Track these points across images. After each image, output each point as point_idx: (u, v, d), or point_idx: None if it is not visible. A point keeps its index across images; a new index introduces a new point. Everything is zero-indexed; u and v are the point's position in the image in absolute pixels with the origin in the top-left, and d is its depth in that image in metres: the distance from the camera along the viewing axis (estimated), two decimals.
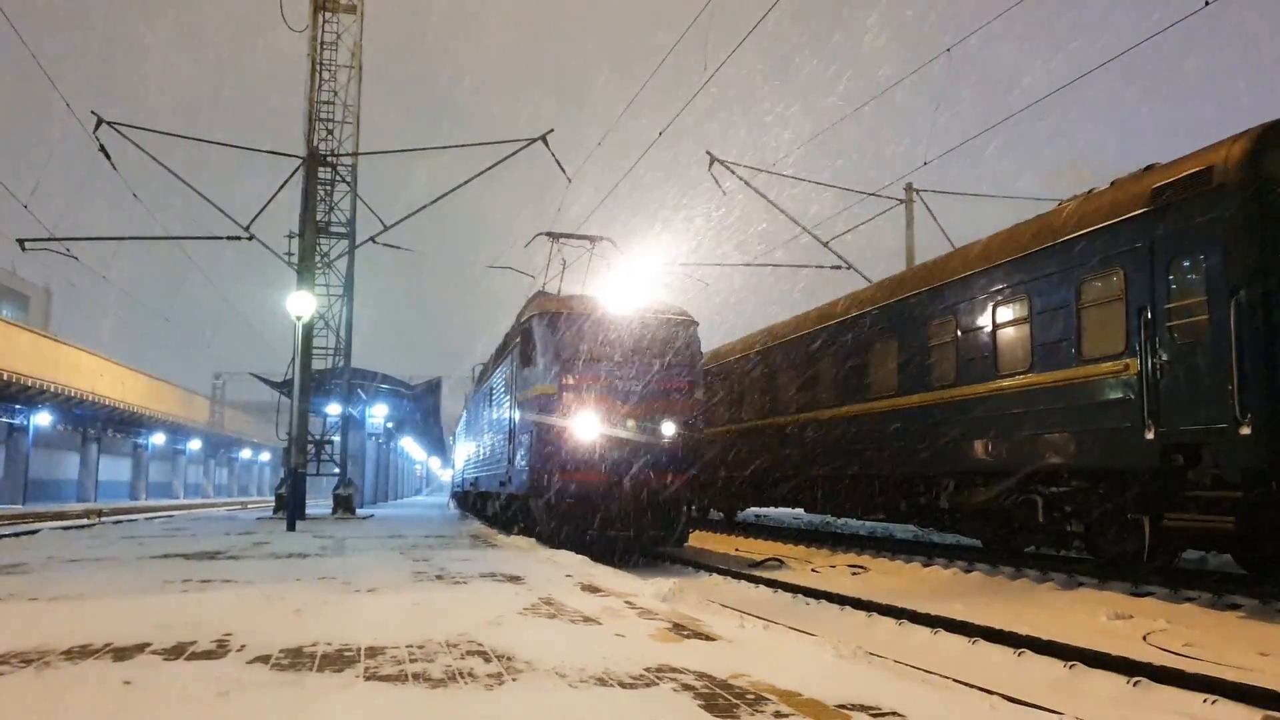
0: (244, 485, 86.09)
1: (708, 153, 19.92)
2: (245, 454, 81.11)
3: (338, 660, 4.21)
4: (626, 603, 6.38)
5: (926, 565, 11.95)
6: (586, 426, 12.34)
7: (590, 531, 12.26)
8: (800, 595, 9.38)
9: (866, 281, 18.28)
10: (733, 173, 20.03)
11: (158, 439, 55.24)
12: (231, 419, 78.18)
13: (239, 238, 20.25)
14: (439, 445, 57.95)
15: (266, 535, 14.25)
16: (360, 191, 22.67)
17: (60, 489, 47.63)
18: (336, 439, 24.68)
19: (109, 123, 18.50)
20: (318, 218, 21.93)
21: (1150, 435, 8.75)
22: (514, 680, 3.84)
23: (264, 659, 4.22)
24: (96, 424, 46.00)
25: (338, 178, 22.53)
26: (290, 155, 21.04)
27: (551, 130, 19.21)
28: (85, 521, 23.40)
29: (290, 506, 16.62)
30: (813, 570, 12.20)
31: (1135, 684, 5.28)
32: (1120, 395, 9.19)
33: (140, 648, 4.45)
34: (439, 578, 7.96)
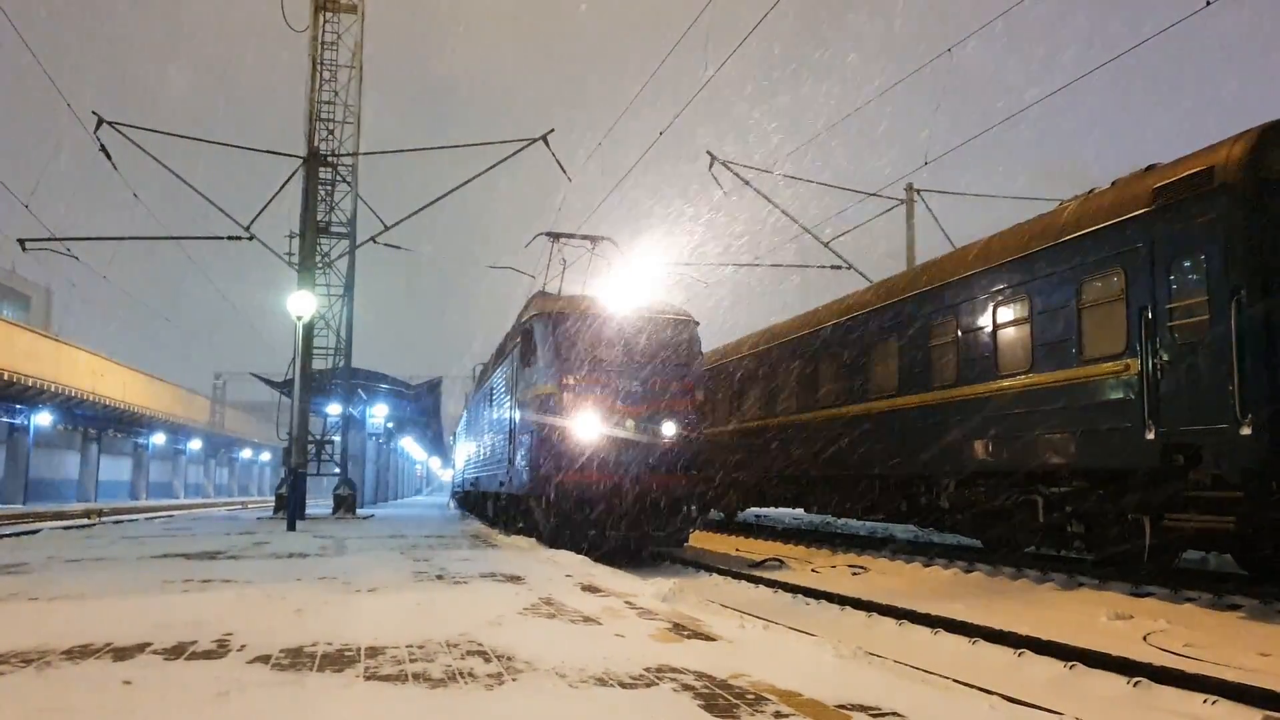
0: (244, 485, 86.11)
1: (708, 152, 19.95)
2: (245, 454, 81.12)
3: (338, 660, 4.21)
4: (626, 603, 6.38)
5: (926, 565, 11.95)
6: (587, 427, 12.34)
7: (590, 531, 12.27)
8: (800, 595, 9.38)
9: (867, 281, 18.30)
10: (733, 173, 20.04)
11: (158, 439, 55.26)
12: (232, 419, 78.21)
13: (239, 238, 20.25)
14: (439, 445, 57.98)
15: (267, 535, 14.26)
16: (361, 191, 22.71)
17: (60, 489, 47.64)
18: (336, 439, 24.69)
19: (109, 123, 18.50)
20: (318, 218, 21.93)
21: (1151, 435, 8.75)
22: (514, 680, 3.84)
23: (264, 659, 4.22)
24: (97, 424, 46.01)
25: (338, 178, 22.53)
26: (290, 155, 21.06)
27: (552, 130, 19.21)
28: (85, 521, 23.42)
29: (290, 506, 16.62)
30: (813, 570, 12.20)
31: (1135, 684, 5.28)
32: (1121, 395, 9.19)
33: (141, 647, 4.45)
34: (439, 578, 7.96)
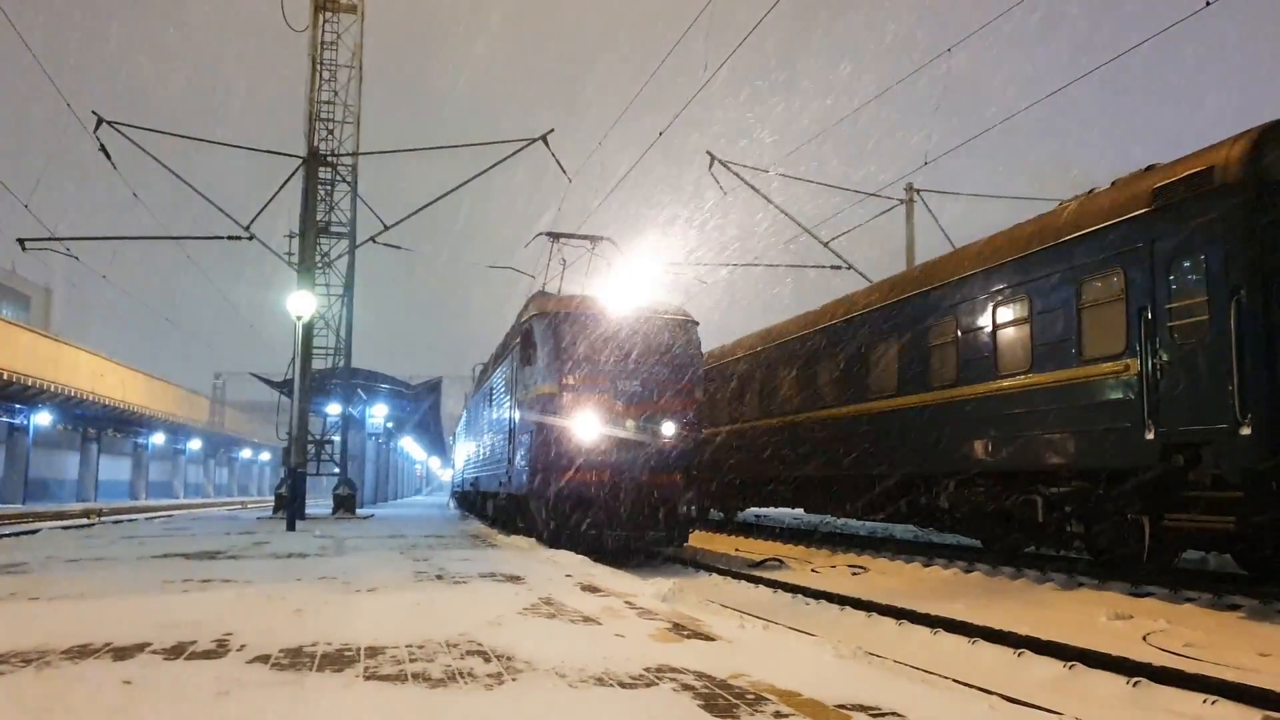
0: (244, 485, 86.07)
1: (708, 152, 19.94)
2: (245, 454, 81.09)
3: (338, 660, 4.21)
4: (626, 603, 6.38)
5: (926, 565, 11.95)
6: (587, 426, 12.34)
7: (590, 531, 12.27)
8: (800, 595, 9.38)
9: (867, 281, 18.29)
10: (733, 173, 20.03)
11: (158, 439, 55.23)
12: (231, 419, 78.18)
13: (239, 238, 20.25)
14: (439, 445, 58.00)
15: (266, 535, 14.26)
16: (360, 191, 22.71)
17: (60, 488, 47.63)
18: (336, 439, 24.69)
19: (109, 122, 18.50)
20: (318, 218, 21.94)
21: (1150, 435, 8.75)
22: (514, 680, 3.84)
23: (264, 659, 4.22)
24: (96, 424, 46.00)
25: (338, 178, 22.54)
26: (290, 155, 21.05)
27: (552, 130, 19.22)
28: (85, 521, 23.41)
29: (290, 506, 16.62)
30: (813, 570, 12.20)
31: (1135, 684, 5.28)
32: (1120, 395, 9.19)
33: (140, 647, 4.45)
34: (439, 578, 7.96)
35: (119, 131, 18.56)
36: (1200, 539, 9.21)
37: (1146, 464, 8.84)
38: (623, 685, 3.77)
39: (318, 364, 22.65)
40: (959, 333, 12.04)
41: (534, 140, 19.35)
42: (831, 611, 8.56)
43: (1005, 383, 11.01)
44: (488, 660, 4.24)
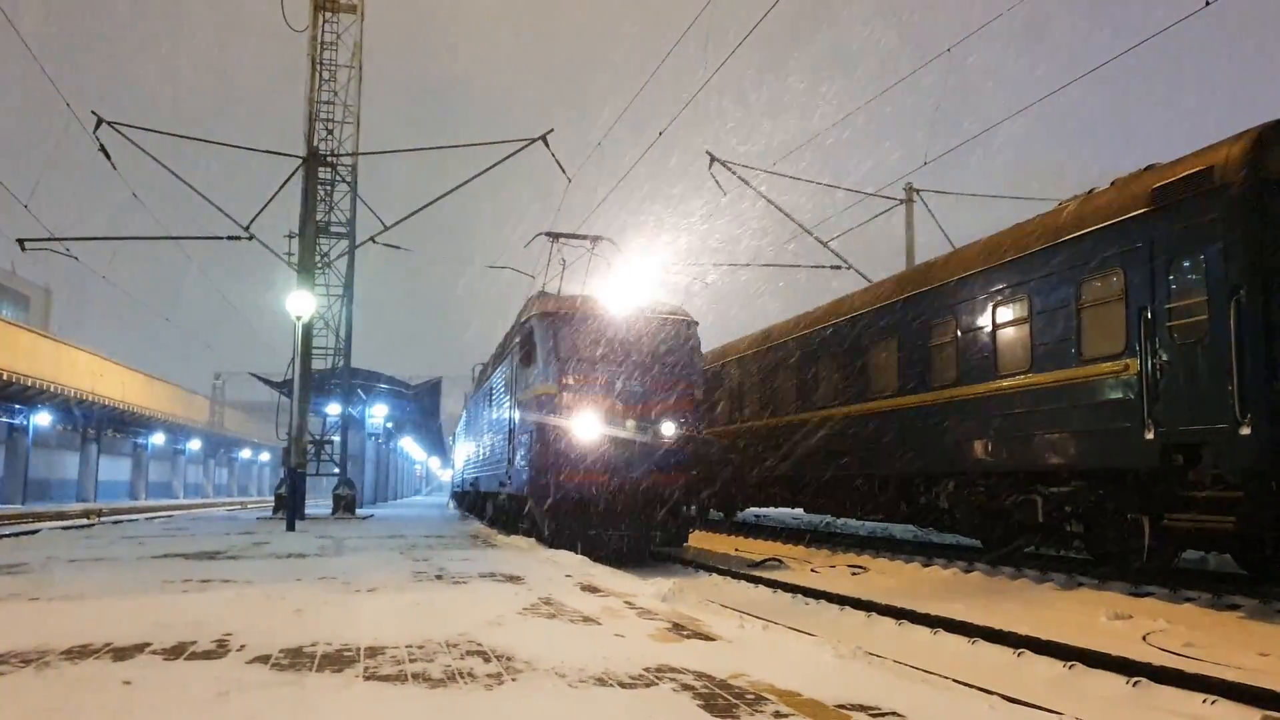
0: (244, 485, 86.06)
1: (708, 152, 19.94)
2: (245, 454, 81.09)
3: (338, 660, 4.21)
4: (626, 603, 6.38)
5: (926, 565, 11.95)
6: (587, 427, 12.34)
7: (590, 531, 12.27)
8: (800, 595, 9.39)
9: (867, 281, 18.28)
10: (733, 173, 20.03)
11: (157, 439, 55.22)
12: (231, 419, 78.18)
13: (239, 238, 20.23)
14: (439, 445, 57.97)
15: (266, 535, 14.25)
16: (360, 191, 22.71)
17: (60, 489, 47.62)
18: (336, 439, 24.68)
19: (109, 122, 18.48)
20: (318, 218, 21.93)
21: (1150, 435, 8.75)
22: (513, 680, 3.84)
23: (264, 659, 4.22)
24: (96, 424, 45.99)
25: (338, 178, 22.54)
26: (290, 155, 21.02)
27: (552, 130, 19.19)
28: (85, 521, 23.41)
29: (290, 506, 16.62)
30: (812, 570, 12.20)
31: (1135, 684, 5.28)
32: (1120, 395, 9.19)
33: (140, 647, 4.45)
34: (439, 578, 7.96)
35: (119, 131, 18.55)
36: (1200, 539, 9.21)
37: (1146, 464, 8.85)
38: (622, 685, 3.77)
39: (317, 364, 22.65)
40: (959, 333, 12.04)
41: (534, 140, 19.33)
42: (831, 611, 8.56)
43: (1005, 383, 11.01)
44: (488, 660, 4.24)
